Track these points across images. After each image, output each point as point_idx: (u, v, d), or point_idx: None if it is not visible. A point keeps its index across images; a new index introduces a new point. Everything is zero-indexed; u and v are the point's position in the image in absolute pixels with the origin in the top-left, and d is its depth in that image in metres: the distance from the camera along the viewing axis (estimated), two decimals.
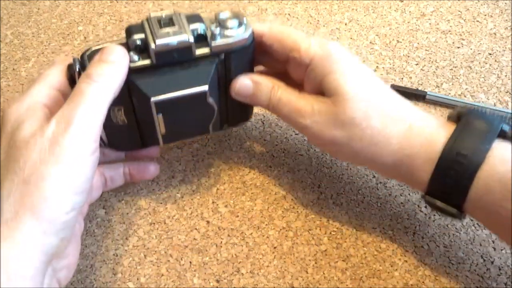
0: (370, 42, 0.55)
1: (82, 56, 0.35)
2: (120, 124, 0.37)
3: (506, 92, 0.50)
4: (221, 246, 0.40)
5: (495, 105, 0.49)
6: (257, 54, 0.39)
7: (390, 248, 0.40)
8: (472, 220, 0.42)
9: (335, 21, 0.57)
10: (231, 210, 0.42)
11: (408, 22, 0.57)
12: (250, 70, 0.40)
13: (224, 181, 0.44)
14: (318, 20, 0.57)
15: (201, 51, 0.35)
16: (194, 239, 0.41)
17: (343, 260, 0.40)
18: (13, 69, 0.53)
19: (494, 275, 0.39)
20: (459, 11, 0.58)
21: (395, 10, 0.58)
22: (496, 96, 0.50)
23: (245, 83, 0.39)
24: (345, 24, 0.57)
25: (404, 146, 0.35)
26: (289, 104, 0.38)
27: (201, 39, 0.35)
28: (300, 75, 0.39)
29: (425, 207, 0.42)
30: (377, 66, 0.53)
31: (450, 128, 0.35)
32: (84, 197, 0.32)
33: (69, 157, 0.30)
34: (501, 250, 0.40)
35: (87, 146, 0.31)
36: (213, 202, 0.43)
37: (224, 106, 0.40)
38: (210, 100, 0.36)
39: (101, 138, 0.36)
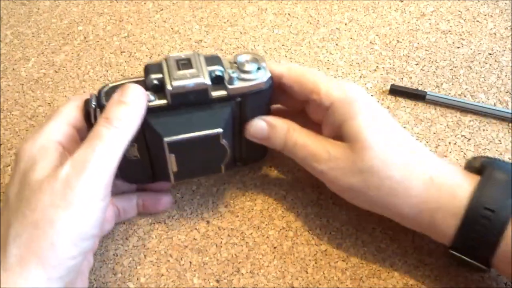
0: (370, 42, 0.55)
1: (99, 92, 0.35)
2: (133, 158, 0.37)
3: (506, 92, 0.50)
4: (221, 246, 0.40)
5: (495, 105, 0.49)
6: (276, 93, 0.39)
7: (390, 248, 0.40)
8: None
9: (335, 21, 0.57)
10: (231, 210, 0.42)
11: (408, 22, 0.57)
12: (267, 111, 0.40)
13: (224, 181, 0.44)
14: (318, 20, 0.57)
15: (217, 93, 0.35)
16: (194, 239, 0.41)
17: (343, 260, 0.40)
18: (13, 69, 0.53)
19: (494, 275, 0.39)
20: (459, 11, 0.58)
21: (395, 10, 0.58)
22: (496, 96, 0.50)
23: (260, 126, 0.38)
24: (345, 24, 0.57)
25: (425, 199, 0.34)
26: (304, 148, 0.37)
27: (218, 81, 0.35)
28: (318, 117, 0.38)
29: None
30: (377, 66, 0.53)
31: (473, 180, 0.34)
32: (93, 242, 0.31)
33: (81, 202, 0.30)
34: None
35: (100, 192, 0.31)
36: (213, 202, 0.43)
37: (238, 146, 0.40)
38: (224, 141, 0.36)
39: None
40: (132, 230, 0.41)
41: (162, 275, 0.39)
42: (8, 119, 0.49)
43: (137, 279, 0.39)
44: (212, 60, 0.36)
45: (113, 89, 0.34)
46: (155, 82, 0.34)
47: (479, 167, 0.35)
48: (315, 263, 0.40)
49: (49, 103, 0.50)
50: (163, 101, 0.34)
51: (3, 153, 0.46)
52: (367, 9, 0.58)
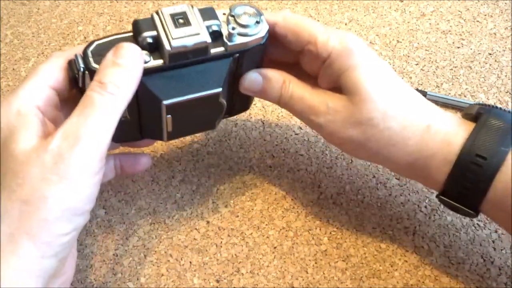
0: (370, 42, 0.55)
1: (85, 52, 0.31)
2: (121, 119, 0.35)
3: (506, 92, 0.50)
4: (221, 246, 0.40)
5: (494, 103, 0.49)
6: (268, 45, 0.36)
7: (390, 248, 0.40)
8: (472, 220, 0.42)
9: (335, 21, 0.57)
10: (231, 210, 0.42)
11: (408, 22, 0.57)
12: (261, 63, 0.38)
13: (224, 181, 0.44)
14: (318, 20, 0.57)
15: (216, 50, 0.33)
16: (194, 239, 0.41)
17: (343, 260, 0.40)
18: (13, 69, 0.53)
19: (494, 275, 0.39)
20: (459, 11, 0.58)
21: (395, 10, 0.58)
22: (496, 96, 0.50)
23: (254, 79, 0.37)
24: (345, 24, 0.57)
25: (421, 148, 0.34)
26: (301, 101, 0.36)
27: (215, 36, 0.33)
28: (314, 69, 0.37)
29: (425, 207, 0.42)
30: None
31: (468, 128, 0.34)
32: (87, 217, 0.30)
33: (74, 176, 0.28)
34: (501, 250, 0.40)
35: (94, 165, 0.29)
36: (213, 202, 0.43)
37: (231, 100, 0.39)
38: (221, 99, 0.35)
39: None
40: (132, 230, 0.41)
41: (162, 275, 0.39)
42: None
43: (137, 279, 0.39)
44: (207, 13, 0.33)
45: (100, 47, 0.31)
46: (149, 40, 0.31)
47: (475, 114, 0.35)
48: (315, 263, 0.40)
49: None
50: (159, 61, 0.32)
51: None
52: (367, 9, 0.58)
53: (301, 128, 0.47)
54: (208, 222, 0.42)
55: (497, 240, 0.41)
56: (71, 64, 0.31)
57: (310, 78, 0.37)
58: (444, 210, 0.42)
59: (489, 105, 0.36)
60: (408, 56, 0.53)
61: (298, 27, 0.35)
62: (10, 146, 0.28)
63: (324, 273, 0.39)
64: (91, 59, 0.31)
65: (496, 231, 0.41)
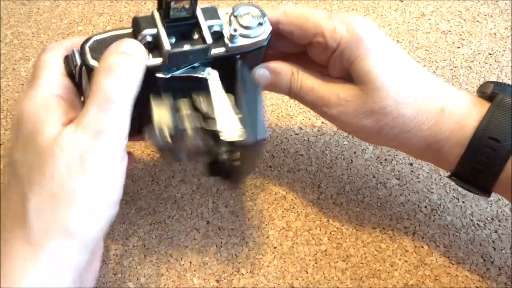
0: None
1: (82, 47, 0.30)
2: None
3: None
4: (221, 246, 0.40)
5: None
6: (272, 39, 0.35)
7: (390, 248, 0.40)
8: (472, 220, 0.42)
9: None
10: (231, 210, 0.42)
11: (408, 22, 0.57)
12: (263, 60, 0.37)
13: (224, 181, 0.44)
14: None
15: (216, 50, 0.32)
16: (194, 239, 0.41)
17: (343, 260, 0.40)
18: (13, 69, 0.53)
19: (494, 275, 0.39)
20: (459, 11, 0.58)
21: (395, 10, 0.58)
22: None
23: (262, 74, 0.36)
24: None
25: (435, 132, 0.34)
26: (311, 92, 0.36)
27: (216, 36, 0.32)
28: (323, 59, 0.36)
29: (425, 207, 0.42)
30: None
31: (482, 108, 0.33)
32: (117, 208, 0.29)
33: (101, 168, 0.27)
34: (501, 250, 0.40)
35: (118, 154, 0.28)
36: (213, 202, 0.43)
37: None
38: None
39: None
40: (132, 230, 0.41)
41: (162, 275, 0.39)
42: (8, 119, 0.49)
43: (137, 279, 0.39)
44: (209, 12, 0.32)
45: (99, 43, 0.30)
46: (149, 39, 0.30)
47: (490, 94, 0.34)
48: (315, 263, 0.40)
49: None
50: (158, 60, 0.31)
51: (3, 153, 0.46)
52: (367, 9, 0.58)
53: (301, 128, 0.47)
54: (208, 222, 0.42)
55: (497, 240, 0.41)
56: (68, 60, 0.31)
57: (319, 67, 0.36)
58: (444, 210, 0.42)
59: (505, 84, 0.35)
60: None
61: (301, 21, 0.34)
62: (35, 138, 0.28)
63: (324, 273, 0.39)
64: (88, 56, 0.30)
65: (496, 231, 0.41)
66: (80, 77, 0.31)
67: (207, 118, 0.32)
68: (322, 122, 0.48)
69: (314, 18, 0.34)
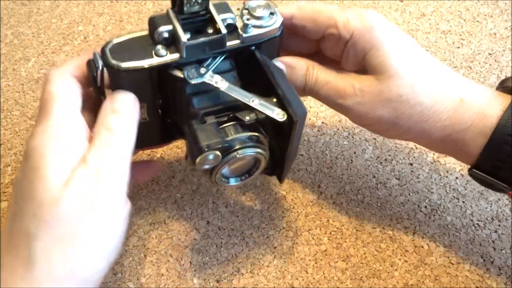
0: None
1: (103, 50, 0.31)
2: (140, 121, 0.34)
3: None
4: (221, 246, 0.40)
5: None
6: (285, 38, 0.36)
7: (390, 248, 0.40)
8: (472, 220, 0.42)
9: None
10: (231, 210, 0.42)
11: (408, 22, 0.57)
12: (277, 55, 0.37)
13: None
14: None
15: (231, 42, 0.33)
16: (194, 239, 0.41)
17: (343, 260, 0.40)
18: (13, 69, 0.53)
19: (494, 275, 0.39)
20: (459, 11, 0.58)
21: (395, 10, 0.58)
22: None
23: (277, 67, 0.36)
24: None
25: (455, 121, 0.33)
26: (327, 85, 0.35)
27: (230, 29, 0.33)
28: (337, 52, 0.36)
29: (425, 207, 0.42)
30: None
31: (504, 100, 0.33)
32: (120, 250, 0.30)
33: (106, 211, 0.28)
34: (501, 250, 0.40)
35: (121, 198, 0.29)
36: (213, 202, 0.43)
37: None
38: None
39: None
40: (132, 230, 0.41)
41: (162, 275, 0.39)
42: (8, 119, 0.49)
43: (137, 279, 0.39)
44: (222, 7, 0.33)
45: (118, 46, 0.31)
46: (165, 35, 0.31)
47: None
48: (315, 263, 0.40)
49: None
50: (175, 55, 0.31)
51: (3, 153, 0.46)
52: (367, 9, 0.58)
53: None
54: (208, 222, 0.42)
55: (497, 240, 0.41)
56: (90, 63, 0.32)
57: (334, 63, 0.36)
58: (444, 210, 0.42)
59: None
60: None
61: (315, 14, 0.35)
62: (45, 177, 0.28)
63: (324, 273, 0.39)
64: (109, 56, 0.31)
65: (496, 231, 0.41)
66: (102, 79, 0.31)
67: (248, 122, 0.33)
68: (322, 122, 0.48)
69: (327, 10, 0.35)
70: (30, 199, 0.27)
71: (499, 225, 0.41)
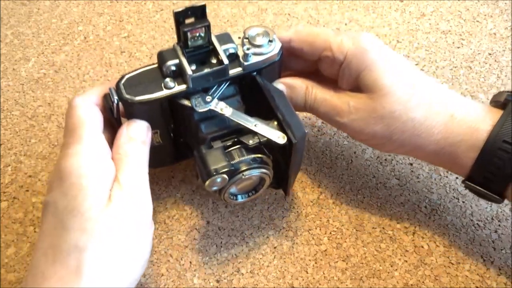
0: None
1: (117, 85, 0.35)
2: (155, 144, 0.38)
3: None
4: (221, 246, 0.40)
5: None
6: (285, 59, 0.39)
7: (390, 248, 0.40)
8: (472, 220, 0.42)
9: (335, 21, 0.57)
10: (231, 210, 0.42)
11: (408, 22, 0.57)
12: (278, 76, 0.40)
13: None
14: (318, 20, 0.57)
15: (234, 71, 0.36)
16: (194, 239, 0.41)
17: (343, 260, 0.40)
18: (13, 69, 0.53)
19: (494, 275, 0.39)
20: (459, 11, 0.58)
21: (395, 10, 0.58)
22: None
23: (278, 88, 0.39)
24: (345, 24, 0.57)
25: (446, 135, 0.35)
26: (325, 103, 0.38)
27: (232, 58, 0.36)
28: (333, 73, 0.38)
29: (425, 207, 0.42)
30: None
31: (495, 115, 0.34)
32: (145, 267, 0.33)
33: (138, 229, 0.32)
34: (501, 250, 0.40)
35: (150, 217, 0.33)
36: (213, 202, 0.43)
37: None
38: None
39: None
40: None
41: (162, 275, 0.39)
42: (8, 119, 0.49)
43: None
44: (223, 38, 0.36)
45: (131, 80, 0.34)
46: (173, 68, 0.34)
47: (504, 101, 0.36)
48: (315, 263, 0.40)
49: (49, 103, 0.50)
50: (182, 86, 0.34)
51: (3, 153, 0.46)
52: (367, 9, 0.58)
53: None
54: (208, 222, 0.42)
55: (497, 240, 0.41)
56: (107, 97, 0.35)
57: (331, 82, 0.39)
58: (444, 210, 0.42)
59: None
60: (408, 56, 0.53)
61: (311, 37, 0.37)
62: (86, 195, 0.30)
63: (324, 273, 0.39)
64: (123, 91, 0.34)
65: (496, 231, 0.41)
66: (118, 111, 0.35)
67: (252, 145, 0.35)
68: (322, 122, 0.48)
69: (322, 34, 0.37)
70: (75, 215, 0.30)
71: (499, 225, 0.41)
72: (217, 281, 0.39)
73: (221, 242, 0.41)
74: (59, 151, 0.34)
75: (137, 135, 0.34)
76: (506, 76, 0.51)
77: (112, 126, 0.36)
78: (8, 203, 0.43)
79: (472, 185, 0.35)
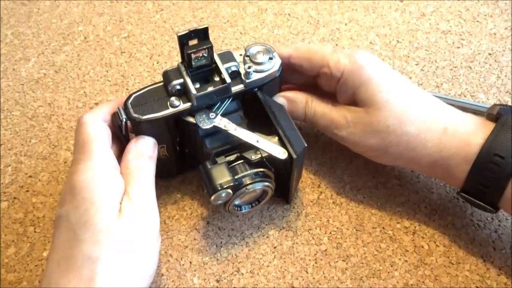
0: (370, 42, 0.55)
1: (125, 104, 0.36)
2: (162, 157, 0.39)
3: (506, 92, 0.50)
4: (221, 246, 0.40)
5: None
6: (285, 73, 0.40)
7: (390, 248, 0.40)
8: (472, 220, 0.42)
9: (335, 21, 0.57)
10: None
11: (408, 22, 0.57)
12: (279, 90, 0.42)
13: None
14: (318, 20, 0.57)
15: (236, 88, 0.37)
16: (194, 239, 0.41)
17: (343, 260, 0.40)
18: (13, 69, 0.53)
19: (494, 275, 0.39)
20: (459, 11, 0.58)
21: (395, 10, 0.58)
22: (496, 96, 0.50)
23: (280, 102, 0.40)
24: (345, 24, 0.57)
25: (440, 149, 0.36)
26: (323, 116, 0.40)
27: (234, 75, 0.37)
28: (331, 87, 0.40)
29: (425, 207, 0.42)
30: None
31: (488, 128, 0.35)
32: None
33: (147, 241, 0.33)
34: (501, 250, 0.40)
35: (157, 230, 0.35)
36: None
37: None
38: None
39: None
40: None
41: (162, 275, 0.39)
42: (8, 119, 0.49)
43: None
44: (226, 56, 0.37)
45: (138, 98, 0.36)
46: (178, 87, 0.36)
47: (496, 115, 0.36)
48: (315, 263, 0.40)
49: (49, 103, 0.50)
50: (187, 104, 0.36)
51: (3, 153, 0.46)
52: (367, 9, 0.58)
53: (301, 129, 0.47)
54: (208, 222, 0.42)
55: (497, 240, 0.41)
56: (115, 116, 0.36)
57: (329, 95, 0.40)
58: (444, 210, 0.42)
59: (509, 106, 0.37)
60: (408, 56, 0.53)
61: (310, 54, 0.39)
62: (98, 208, 0.32)
63: (324, 273, 0.39)
64: (131, 110, 0.36)
65: (496, 231, 0.41)
66: (126, 129, 0.36)
67: (254, 160, 0.37)
68: None
69: (320, 51, 0.39)
70: (88, 227, 0.31)
71: (499, 225, 0.41)
72: (217, 281, 0.39)
73: (221, 242, 0.41)
74: (70, 167, 0.35)
75: (145, 150, 0.36)
76: (506, 76, 0.51)
77: (119, 141, 0.37)
78: (8, 203, 0.43)
79: (467, 196, 0.36)
